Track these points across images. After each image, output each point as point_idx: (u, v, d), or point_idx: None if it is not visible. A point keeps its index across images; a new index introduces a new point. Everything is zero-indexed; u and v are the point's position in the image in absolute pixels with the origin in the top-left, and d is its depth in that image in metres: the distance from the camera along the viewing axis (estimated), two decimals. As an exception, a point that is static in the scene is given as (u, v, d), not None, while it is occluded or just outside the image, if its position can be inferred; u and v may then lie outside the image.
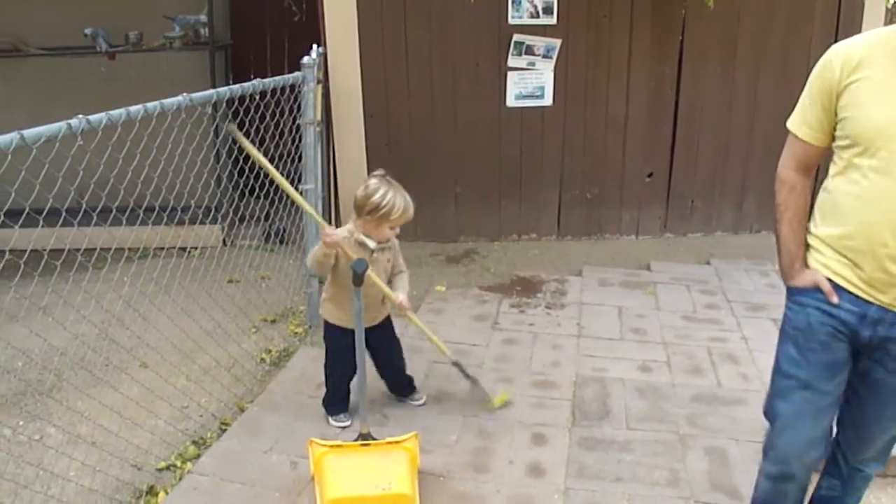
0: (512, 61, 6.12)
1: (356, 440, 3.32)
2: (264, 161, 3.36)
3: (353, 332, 3.40)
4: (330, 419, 3.82)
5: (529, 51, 6.07)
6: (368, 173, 6.13)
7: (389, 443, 3.21)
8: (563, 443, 3.61)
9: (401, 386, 4.02)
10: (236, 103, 4.29)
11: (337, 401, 3.84)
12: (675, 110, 6.34)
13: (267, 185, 4.81)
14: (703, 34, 6.11)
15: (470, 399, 3.98)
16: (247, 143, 3.32)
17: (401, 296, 3.61)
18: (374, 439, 3.31)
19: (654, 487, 3.28)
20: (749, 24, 6.11)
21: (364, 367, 3.33)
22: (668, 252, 6.31)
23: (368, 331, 3.42)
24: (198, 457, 3.57)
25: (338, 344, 3.68)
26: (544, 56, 6.09)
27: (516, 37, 6.04)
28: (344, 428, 3.77)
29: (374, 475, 3.02)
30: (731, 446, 3.55)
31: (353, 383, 3.72)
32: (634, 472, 3.38)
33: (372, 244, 3.49)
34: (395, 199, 3.40)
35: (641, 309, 5.11)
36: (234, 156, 4.50)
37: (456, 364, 3.94)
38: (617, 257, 6.19)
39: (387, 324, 3.84)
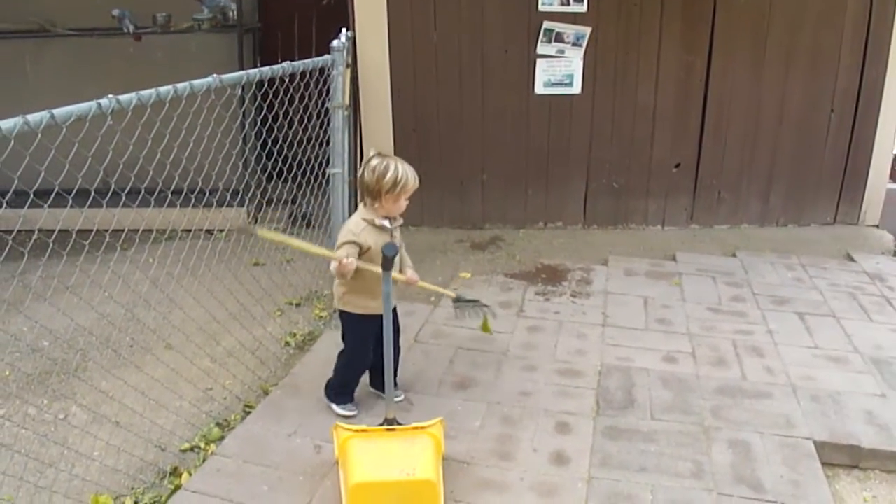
0: (541, 48, 6.08)
1: (381, 425, 3.32)
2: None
3: (376, 318, 3.41)
4: (337, 408, 3.75)
5: (559, 38, 6.03)
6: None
7: (415, 428, 3.20)
8: (587, 432, 3.59)
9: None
10: (266, 86, 4.28)
11: (349, 391, 3.79)
12: (704, 101, 6.27)
13: (294, 167, 4.81)
14: (734, 25, 6.03)
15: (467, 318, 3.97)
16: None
17: (409, 272, 3.58)
18: (399, 424, 3.31)
19: (677, 478, 3.26)
20: (780, 15, 6.01)
21: (392, 353, 3.33)
22: (694, 243, 6.26)
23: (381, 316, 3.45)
24: (221, 439, 3.59)
25: (364, 334, 3.62)
26: (574, 44, 6.05)
27: (546, 24, 6.00)
28: (351, 417, 3.71)
29: (398, 460, 3.01)
30: (755, 439, 3.52)
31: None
32: (658, 463, 3.36)
33: (388, 224, 3.48)
34: (406, 170, 3.41)
35: (667, 299, 5.08)
36: (262, 138, 4.50)
37: (458, 299, 3.88)
38: (643, 247, 6.15)
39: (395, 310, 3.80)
